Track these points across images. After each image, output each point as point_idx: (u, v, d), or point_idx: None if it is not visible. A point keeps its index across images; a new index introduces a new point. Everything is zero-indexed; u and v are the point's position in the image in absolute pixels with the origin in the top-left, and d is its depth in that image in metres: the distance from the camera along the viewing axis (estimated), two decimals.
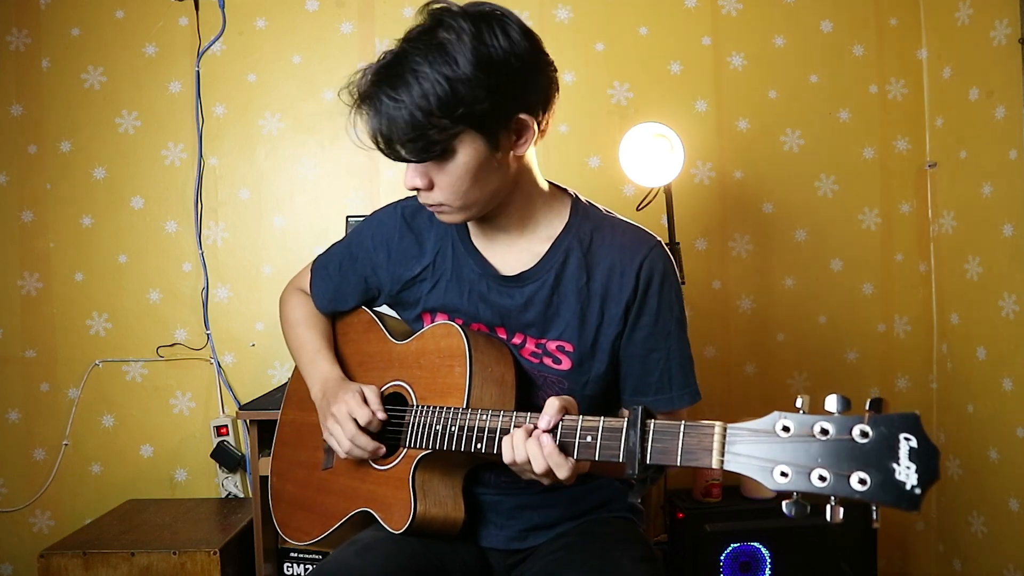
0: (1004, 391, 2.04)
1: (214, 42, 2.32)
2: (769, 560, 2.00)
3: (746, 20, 2.37)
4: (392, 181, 2.34)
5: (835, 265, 2.39)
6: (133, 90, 2.32)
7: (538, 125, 1.06)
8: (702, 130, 2.35)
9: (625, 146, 1.99)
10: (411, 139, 0.98)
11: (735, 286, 2.38)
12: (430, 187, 1.05)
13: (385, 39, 2.34)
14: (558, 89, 1.09)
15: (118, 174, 2.32)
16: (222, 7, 2.31)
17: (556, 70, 1.08)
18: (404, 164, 1.05)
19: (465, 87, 0.95)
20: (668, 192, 2.03)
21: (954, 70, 2.25)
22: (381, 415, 1.14)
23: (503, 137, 1.03)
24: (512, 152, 1.06)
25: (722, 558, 2.00)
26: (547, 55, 1.06)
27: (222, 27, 2.31)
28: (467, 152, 1.01)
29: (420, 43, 0.97)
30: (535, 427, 0.95)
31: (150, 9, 2.32)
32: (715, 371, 2.37)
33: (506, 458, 0.97)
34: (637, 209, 2.05)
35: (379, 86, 0.98)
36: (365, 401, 1.15)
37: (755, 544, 2.00)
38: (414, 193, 1.16)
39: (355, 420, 1.13)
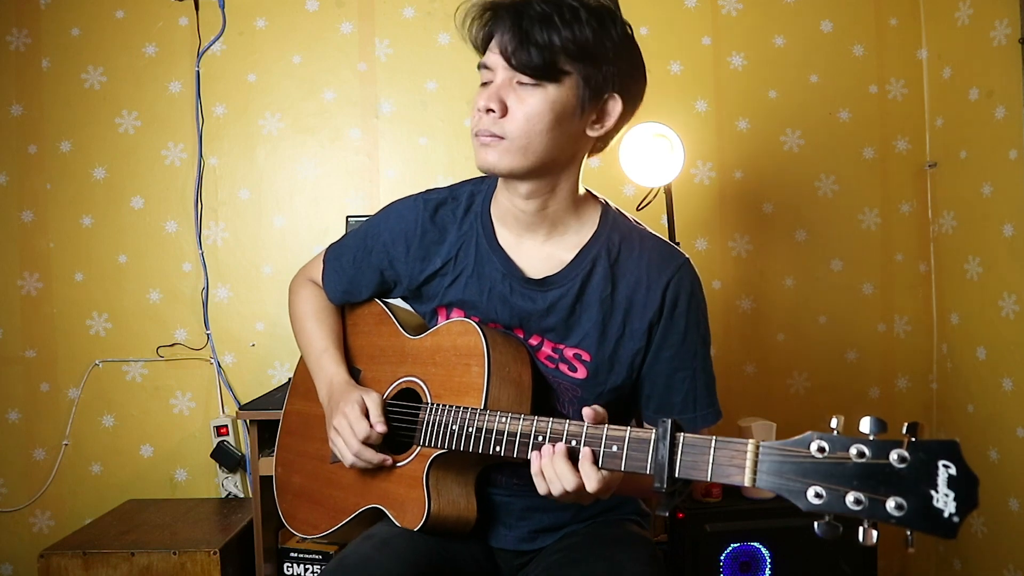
0: (1004, 391, 2.04)
1: (214, 42, 2.32)
2: (769, 560, 2.00)
3: (746, 20, 2.37)
4: (392, 181, 2.34)
5: (835, 265, 2.39)
6: (133, 90, 2.32)
7: (616, 123, 1.10)
8: (702, 130, 2.35)
9: (625, 146, 1.99)
10: (537, 51, 1.01)
11: (735, 286, 2.38)
12: (503, 113, 1.04)
13: (385, 39, 2.34)
14: (631, 117, 1.13)
15: (118, 174, 2.32)
16: (222, 7, 2.30)
17: (639, 103, 1.13)
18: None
19: (602, 44, 1.03)
20: (668, 192, 2.03)
21: (954, 70, 2.25)
22: (381, 428, 1.13)
23: (591, 107, 1.06)
24: (586, 129, 1.08)
25: (722, 558, 1.99)
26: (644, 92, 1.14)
27: (222, 27, 2.31)
28: (562, 92, 1.04)
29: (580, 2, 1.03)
30: (556, 444, 0.95)
31: (150, 9, 2.32)
32: (715, 371, 2.36)
33: (541, 489, 0.96)
34: (637, 209, 2.05)
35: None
36: (366, 413, 1.14)
37: (755, 544, 2.00)
38: (439, 184, 1.20)
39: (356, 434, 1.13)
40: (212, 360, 2.31)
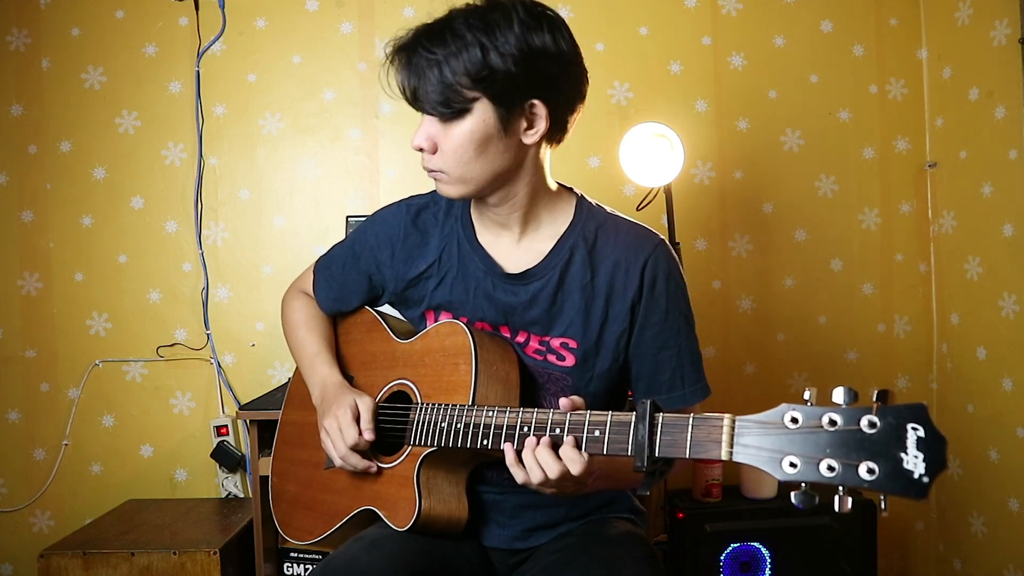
0: (1004, 391, 2.04)
1: (214, 42, 2.32)
2: (769, 560, 2.00)
3: (746, 20, 2.37)
4: (392, 181, 2.34)
5: (835, 265, 2.39)
6: (133, 90, 2.32)
7: (553, 122, 1.09)
8: (702, 130, 2.35)
9: (625, 146, 1.99)
10: (434, 91, 1.03)
11: (735, 286, 2.38)
12: (434, 150, 1.08)
13: (385, 39, 2.33)
14: (583, 100, 1.13)
15: (118, 174, 2.32)
16: (222, 7, 2.30)
17: (587, 82, 1.13)
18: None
19: (497, 60, 1.01)
20: (668, 192, 2.03)
21: (954, 70, 2.25)
22: (369, 436, 1.14)
23: (515, 119, 1.06)
24: (520, 139, 1.08)
25: (722, 558, 2.00)
26: (584, 66, 1.12)
27: (222, 27, 2.31)
28: (477, 120, 1.05)
29: (468, 14, 1.04)
30: (540, 437, 0.96)
31: (150, 9, 2.32)
32: (715, 371, 2.36)
33: (519, 478, 0.98)
34: (637, 209, 2.05)
35: (417, 39, 1.06)
36: (357, 419, 1.15)
37: (755, 544, 2.00)
38: (417, 194, 1.18)
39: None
40: (212, 360, 2.31)
